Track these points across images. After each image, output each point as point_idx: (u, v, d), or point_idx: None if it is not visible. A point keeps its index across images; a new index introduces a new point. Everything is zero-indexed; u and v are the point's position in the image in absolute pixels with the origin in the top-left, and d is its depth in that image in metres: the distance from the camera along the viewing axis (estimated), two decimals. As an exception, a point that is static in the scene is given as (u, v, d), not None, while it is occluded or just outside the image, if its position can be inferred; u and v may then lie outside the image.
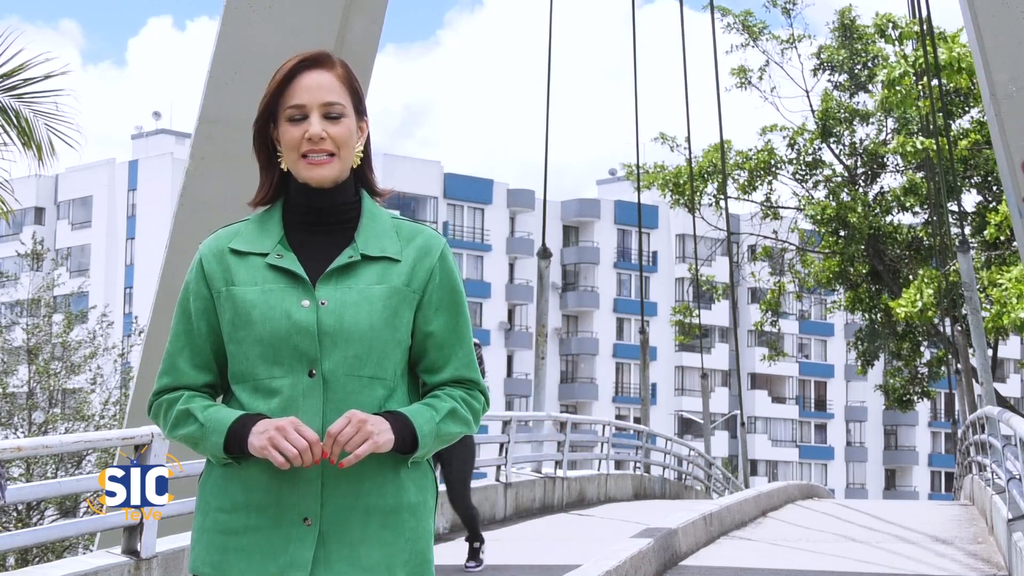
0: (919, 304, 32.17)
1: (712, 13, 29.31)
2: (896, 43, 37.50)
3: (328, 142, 3.15)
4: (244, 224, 3.25)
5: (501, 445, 16.99)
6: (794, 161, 40.21)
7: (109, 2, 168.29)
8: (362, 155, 3.24)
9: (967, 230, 35.02)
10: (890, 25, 37.68)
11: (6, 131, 15.28)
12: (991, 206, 36.27)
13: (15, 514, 29.20)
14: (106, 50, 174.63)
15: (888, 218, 38.92)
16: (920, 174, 38.20)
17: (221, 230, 3.26)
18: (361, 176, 3.26)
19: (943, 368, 40.19)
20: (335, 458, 3.03)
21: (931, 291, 32.70)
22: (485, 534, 12.21)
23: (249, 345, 3.12)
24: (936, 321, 36.49)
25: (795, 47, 40.47)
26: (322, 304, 3.12)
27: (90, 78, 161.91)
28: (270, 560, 3.09)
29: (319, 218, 3.21)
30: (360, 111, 3.23)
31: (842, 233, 38.56)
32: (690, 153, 36.32)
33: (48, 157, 15.38)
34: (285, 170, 3.22)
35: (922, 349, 41.21)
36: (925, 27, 26.65)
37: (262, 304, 3.12)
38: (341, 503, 3.09)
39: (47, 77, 15.17)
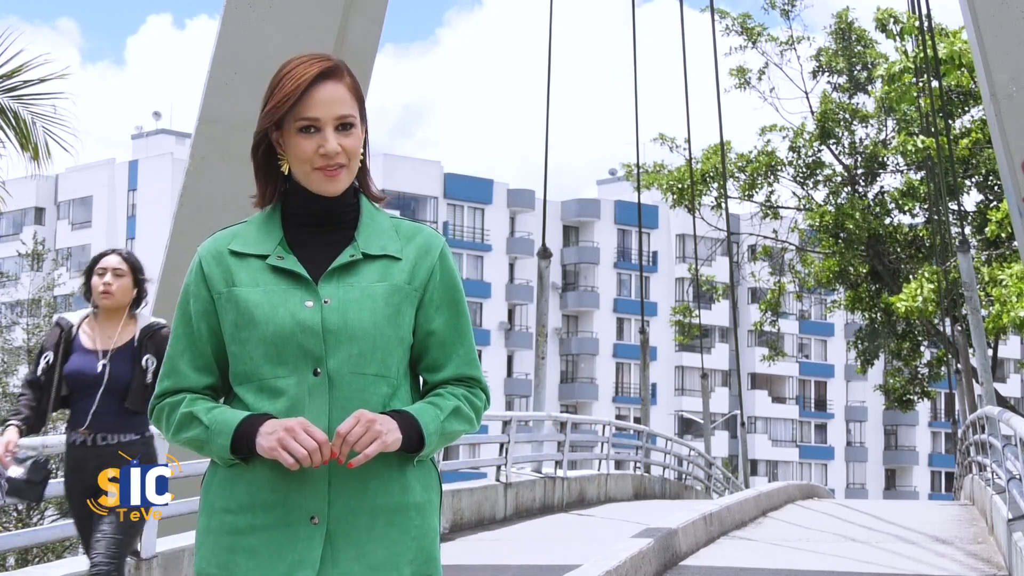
0: (919, 299, 32.17)
1: (712, 15, 29.31)
2: (897, 38, 37.51)
3: (341, 155, 3.16)
4: (243, 226, 3.25)
5: (501, 445, 16.99)
6: (794, 163, 40.23)
7: (108, 0, 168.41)
8: (361, 158, 3.25)
9: (967, 229, 35.03)
10: (891, 20, 37.69)
11: (4, 132, 15.28)
12: (992, 205, 36.28)
13: (15, 514, 29.22)
14: (105, 49, 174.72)
15: (887, 219, 38.94)
16: (919, 175, 38.22)
17: (219, 232, 3.26)
18: (359, 179, 3.26)
19: (943, 368, 40.20)
20: (344, 458, 3.04)
21: (932, 286, 32.72)
22: (486, 534, 12.21)
23: (253, 345, 3.13)
24: (937, 321, 36.51)
25: (794, 48, 40.50)
26: (325, 303, 3.12)
27: (89, 77, 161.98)
28: (278, 559, 3.10)
29: (319, 220, 3.21)
30: (363, 116, 3.24)
31: (841, 235, 38.59)
32: (690, 153, 36.34)
33: (44, 159, 15.38)
34: (286, 172, 3.22)
35: (922, 349, 41.23)
36: (925, 25, 26.66)
37: (265, 304, 3.13)
38: (348, 502, 3.10)
39: (42, 80, 15.16)
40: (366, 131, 3.26)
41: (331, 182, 3.16)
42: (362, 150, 3.24)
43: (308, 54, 3.22)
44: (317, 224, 3.21)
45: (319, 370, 3.11)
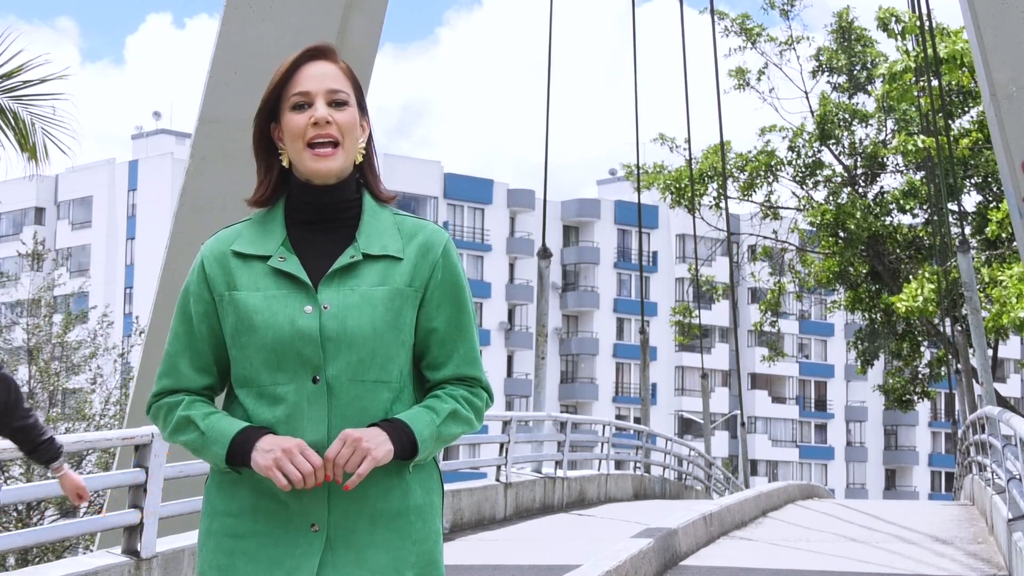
0: (920, 299, 32.18)
1: (712, 15, 29.28)
2: (898, 37, 37.51)
3: (333, 127, 3.15)
4: (246, 225, 3.23)
5: (501, 445, 16.98)
6: (793, 163, 40.22)
7: None
8: (364, 153, 3.24)
9: (967, 230, 35.02)
10: (893, 19, 37.69)
11: (4, 132, 15.26)
12: (992, 205, 36.28)
13: (15, 514, 29.20)
14: (104, 48, 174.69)
15: (887, 219, 38.93)
16: (920, 175, 38.21)
17: (222, 231, 3.24)
18: (364, 177, 3.25)
19: (943, 368, 40.19)
20: (340, 479, 3.04)
21: (932, 286, 32.72)
22: (486, 534, 12.21)
23: (252, 351, 3.12)
24: (937, 321, 36.51)
25: (794, 48, 40.47)
26: (325, 308, 3.11)
27: (88, 76, 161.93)
28: (275, 566, 3.09)
29: (321, 215, 3.19)
30: (362, 107, 3.24)
31: (841, 235, 38.58)
32: (690, 154, 36.33)
33: (42, 160, 15.37)
34: (287, 166, 3.21)
35: (922, 349, 41.22)
36: (926, 25, 26.65)
37: (265, 310, 3.12)
38: (348, 509, 3.10)
39: (42, 81, 15.15)
40: (369, 128, 3.26)
41: (322, 161, 3.14)
42: (363, 144, 3.23)
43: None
44: (318, 220, 3.19)
45: (318, 377, 3.09)
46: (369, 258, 3.16)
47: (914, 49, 35.20)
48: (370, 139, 3.26)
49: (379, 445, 3.03)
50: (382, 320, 3.12)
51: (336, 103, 3.17)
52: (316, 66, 3.18)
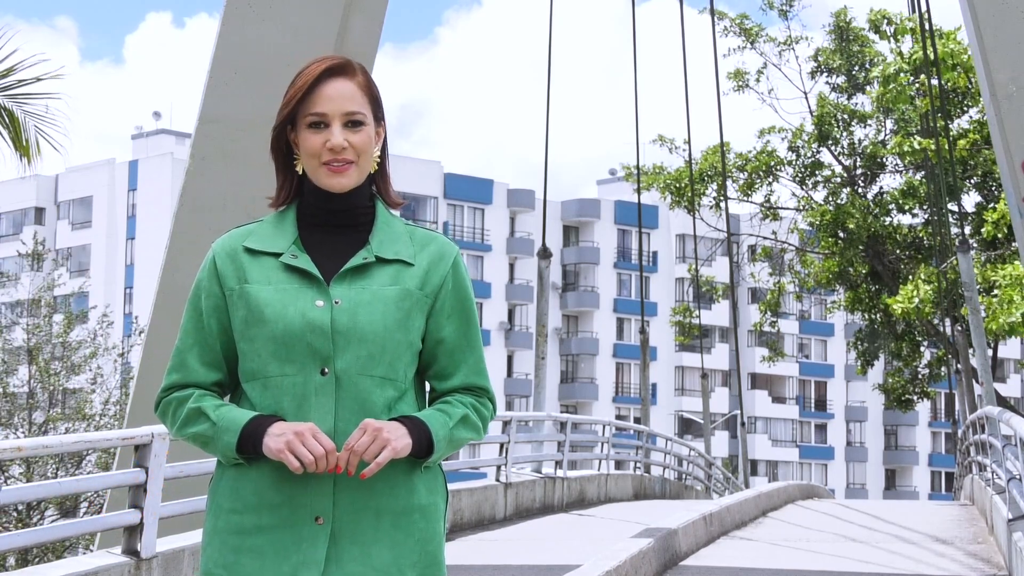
0: (915, 300, 32.19)
1: (712, 15, 29.28)
2: (891, 39, 37.53)
3: (349, 151, 3.18)
4: (258, 224, 3.27)
5: (501, 445, 16.98)
6: (793, 163, 40.23)
7: None
8: (379, 160, 3.26)
9: (966, 230, 35.02)
10: (884, 21, 37.71)
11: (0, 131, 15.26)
12: (990, 205, 36.28)
13: (15, 514, 29.22)
14: (103, 47, 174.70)
15: (887, 219, 38.94)
16: (919, 175, 38.22)
17: (235, 230, 3.27)
18: (377, 183, 3.28)
19: (943, 368, 40.19)
20: (352, 469, 3.05)
21: (929, 288, 32.70)
22: (486, 534, 12.20)
23: (262, 343, 3.14)
24: (936, 321, 36.52)
25: (792, 49, 40.47)
26: (336, 303, 3.14)
27: (88, 76, 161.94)
28: (283, 559, 3.11)
29: (333, 220, 3.23)
30: (378, 117, 3.25)
31: (841, 235, 38.60)
32: (690, 154, 36.34)
33: (35, 159, 15.37)
34: (300, 172, 3.23)
35: (922, 349, 41.23)
36: (925, 25, 26.63)
37: (276, 302, 3.15)
38: (353, 503, 3.12)
39: (38, 80, 15.15)
40: (384, 134, 3.27)
41: (338, 177, 3.18)
42: (379, 153, 3.25)
43: (326, 55, 3.25)
44: (331, 224, 3.22)
45: (327, 370, 3.12)
46: (381, 261, 3.20)
47: (909, 51, 35.21)
48: (384, 145, 3.28)
49: (399, 437, 3.07)
50: (392, 318, 3.15)
51: (352, 124, 3.18)
52: (334, 85, 3.19)
